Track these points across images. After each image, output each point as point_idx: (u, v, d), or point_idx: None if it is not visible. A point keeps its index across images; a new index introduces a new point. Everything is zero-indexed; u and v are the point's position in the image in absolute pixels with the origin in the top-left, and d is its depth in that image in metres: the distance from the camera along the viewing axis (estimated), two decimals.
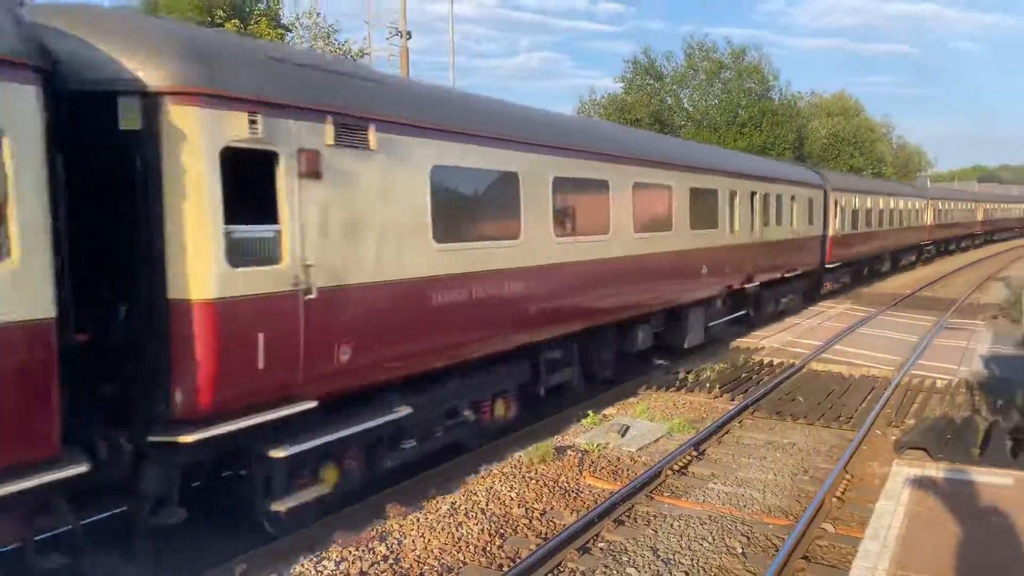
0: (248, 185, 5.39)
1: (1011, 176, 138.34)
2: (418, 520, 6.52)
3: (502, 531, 6.41)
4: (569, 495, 7.25)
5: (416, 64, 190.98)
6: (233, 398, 5.30)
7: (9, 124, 4.24)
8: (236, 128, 5.24)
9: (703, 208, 13.15)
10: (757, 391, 11.15)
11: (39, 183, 4.40)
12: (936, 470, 6.00)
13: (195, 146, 5.04)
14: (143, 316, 5.09)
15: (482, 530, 6.38)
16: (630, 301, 10.96)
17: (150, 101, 4.96)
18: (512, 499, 7.08)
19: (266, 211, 5.53)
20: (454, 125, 7.52)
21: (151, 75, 4.95)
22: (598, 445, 8.67)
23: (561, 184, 9.23)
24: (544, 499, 7.12)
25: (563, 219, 9.36)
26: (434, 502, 6.96)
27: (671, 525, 6.58)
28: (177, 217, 5.01)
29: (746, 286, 15.32)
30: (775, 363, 13.41)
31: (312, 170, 5.69)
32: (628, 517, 6.73)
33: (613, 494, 6.99)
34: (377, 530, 6.31)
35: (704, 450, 8.67)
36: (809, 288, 20.92)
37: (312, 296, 5.72)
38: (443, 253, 7.27)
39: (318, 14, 26.21)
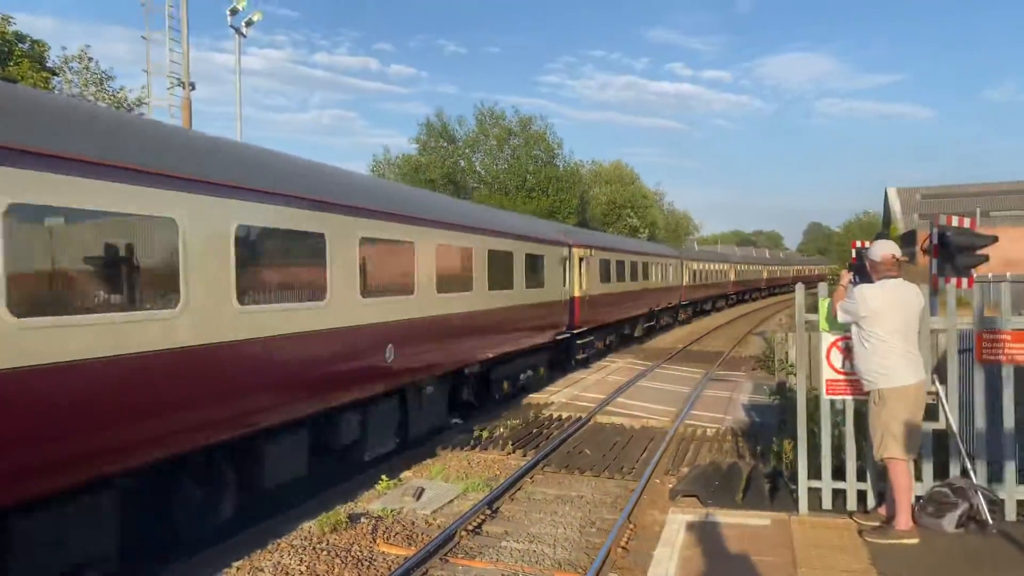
0: None
1: (765, 240, 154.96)
2: None
3: None
4: (362, 565, 7.06)
5: (201, 115, 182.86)
6: None
7: None
8: None
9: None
10: (547, 446, 11.51)
11: None
12: (706, 515, 6.48)
13: None
14: None
15: None
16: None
17: None
18: (302, 572, 6.78)
19: None
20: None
21: None
22: (392, 510, 8.53)
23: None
24: (336, 570, 6.87)
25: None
26: None
27: None
28: None
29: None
30: (564, 417, 13.95)
31: None
32: None
33: (407, 560, 6.89)
34: None
35: (498, 508, 8.79)
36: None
37: None
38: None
39: (90, 59, 24.61)
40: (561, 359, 18.99)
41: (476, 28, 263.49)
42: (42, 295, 5.20)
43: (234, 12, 26.42)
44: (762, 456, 10.31)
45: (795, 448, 9.30)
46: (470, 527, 7.95)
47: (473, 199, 44.00)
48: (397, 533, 7.89)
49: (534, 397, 15.79)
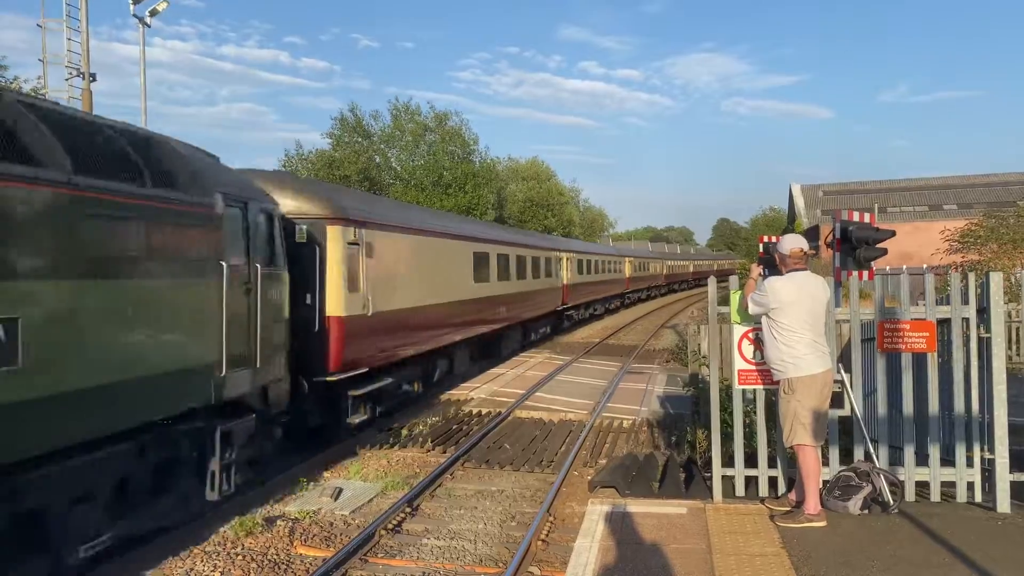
0: None
1: (676, 236, 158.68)
2: None
3: None
4: (280, 568, 6.88)
5: (101, 107, 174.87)
6: None
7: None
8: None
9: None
10: (467, 442, 11.50)
11: None
12: (624, 505, 6.57)
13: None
14: None
15: None
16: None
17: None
18: None
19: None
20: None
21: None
22: (310, 511, 8.36)
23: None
24: (252, 575, 6.69)
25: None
26: None
27: None
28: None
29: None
30: (484, 413, 13.95)
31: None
32: None
33: (326, 561, 6.76)
34: None
35: (418, 506, 8.72)
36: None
37: None
38: None
39: None
40: (556, 323, 28.17)
41: (389, 22, 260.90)
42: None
43: (137, 1, 25.39)
44: (677, 446, 10.56)
45: (708, 437, 9.57)
46: (390, 526, 7.86)
47: (389, 195, 43.54)
48: (315, 535, 7.73)
49: (454, 394, 15.75)
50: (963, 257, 23.30)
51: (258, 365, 8.26)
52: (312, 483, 9.44)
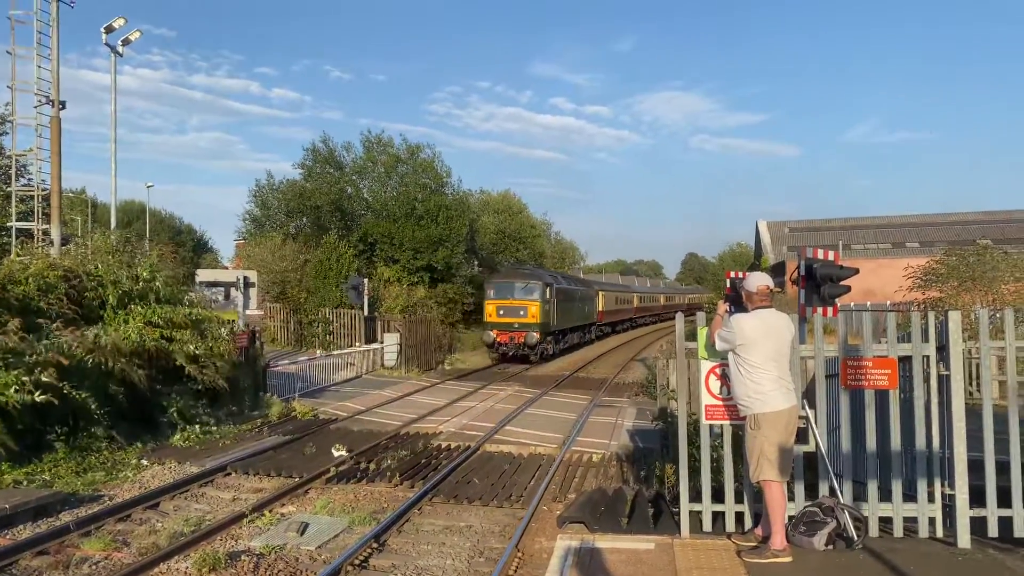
0: None
1: (646, 270, 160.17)
2: None
3: None
4: None
5: (71, 135, 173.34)
6: None
7: None
8: None
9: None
10: (436, 476, 11.41)
11: None
12: (593, 541, 6.57)
13: None
14: None
15: None
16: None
17: None
18: None
19: None
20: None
21: None
22: (275, 547, 8.22)
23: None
24: None
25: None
26: None
27: None
28: None
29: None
30: (453, 447, 13.87)
31: None
32: None
33: None
34: None
35: (385, 541, 8.62)
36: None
37: None
38: None
39: None
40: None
41: (361, 55, 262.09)
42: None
43: (109, 30, 25.34)
44: (645, 480, 10.58)
45: (676, 472, 9.60)
46: (356, 561, 7.76)
47: (361, 226, 43.49)
48: (280, 570, 7.60)
49: (423, 427, 15.65)
50: (925, 294, 23.73)
51: None
52: (276, 517, 9.31)
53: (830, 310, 9.49)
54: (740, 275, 10.63)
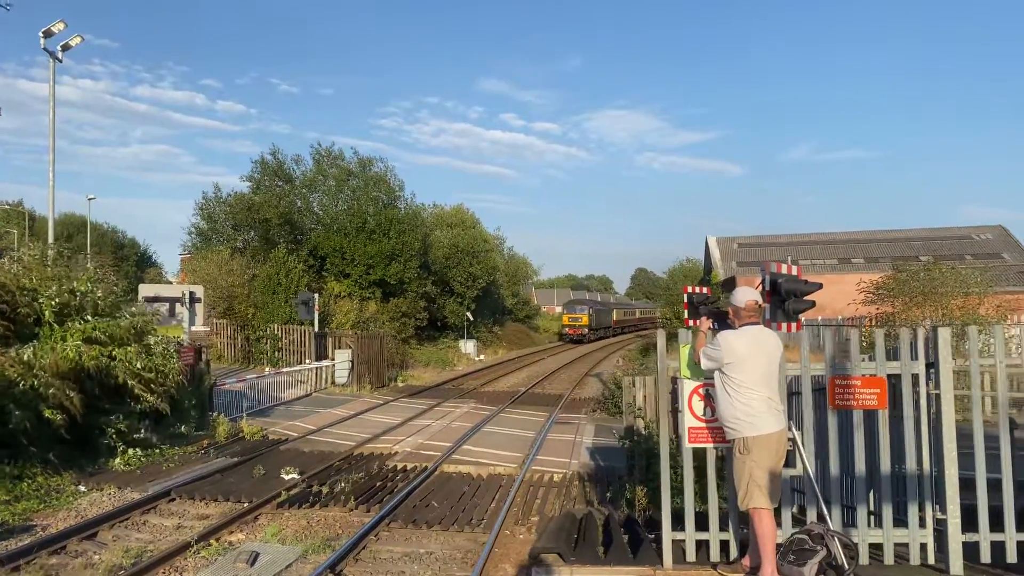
0: None
1: (597, 284, 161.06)
2: None
3: None
4: None
5: (7, 145, 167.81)
6: None
7: None
8: None
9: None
10: (393, 499, 10.88)
11: None
12: (570, 574, 6.15)
13: None
14: None
15: None
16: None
17: None
18: None
19: None
20: None
21: None
22: None
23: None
24: None
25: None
26: None
27: None
28: None
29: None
30: (409, 468, 13.33)
31: None
32: None
33: None
34: None
35: (341, 571, 8.07)
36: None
37: None
38: None
39: None
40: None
41: (308, 68, 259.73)
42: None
43: (48, 35, 24.29)
44: (613, 502, 10.20)
45: (648, 495, 9.22)
46: None
47: (311, 240, 42.54)
48: None
49: (377, 447, 15.07)
50: (877, 309, 23.97)
51: None
52: (224, 546, 8.69)
53: (794, 325, 9.27)
54: (697, 291, 10.43)
